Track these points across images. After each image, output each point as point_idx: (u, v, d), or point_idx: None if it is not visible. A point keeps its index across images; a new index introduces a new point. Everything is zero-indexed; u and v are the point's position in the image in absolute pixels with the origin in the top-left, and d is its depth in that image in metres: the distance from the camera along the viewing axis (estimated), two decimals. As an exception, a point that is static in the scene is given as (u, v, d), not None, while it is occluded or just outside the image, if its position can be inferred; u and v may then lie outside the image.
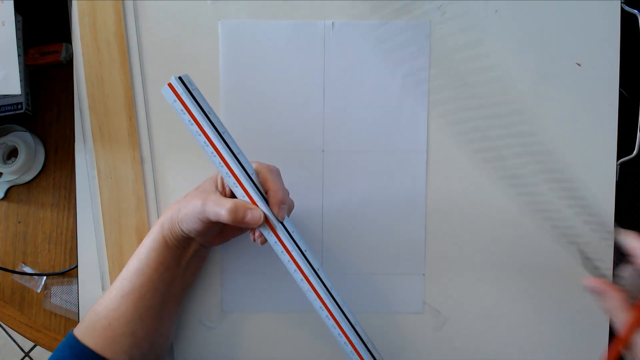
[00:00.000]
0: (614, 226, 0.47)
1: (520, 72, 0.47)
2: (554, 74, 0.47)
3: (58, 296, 0.52)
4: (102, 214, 0.48)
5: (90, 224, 0.48)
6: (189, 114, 0.38)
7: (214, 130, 0.38)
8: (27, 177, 0.53)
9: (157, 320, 0.43)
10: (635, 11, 0.47)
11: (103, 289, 0.48)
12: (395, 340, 0.48)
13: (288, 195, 0.41)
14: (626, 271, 0.38)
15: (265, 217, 0.38)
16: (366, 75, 0.48)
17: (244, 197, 0.39)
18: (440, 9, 0.48)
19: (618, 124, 0.47)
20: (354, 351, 0.41)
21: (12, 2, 0.46)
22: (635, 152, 0.47)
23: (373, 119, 0.48)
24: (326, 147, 0.48)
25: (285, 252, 0.39)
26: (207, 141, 0.38)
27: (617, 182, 0.47)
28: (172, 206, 0.43)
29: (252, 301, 0.48)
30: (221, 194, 0.41)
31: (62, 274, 0.52)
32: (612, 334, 0.47)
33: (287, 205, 0.39)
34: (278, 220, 0.39)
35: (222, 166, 0.38)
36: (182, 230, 0.41)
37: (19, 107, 0.51)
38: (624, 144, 0.47)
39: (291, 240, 0.39)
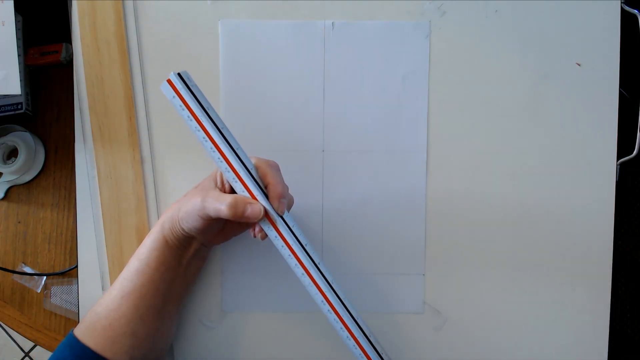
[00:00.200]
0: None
1: (520, 72, 0.47)
2: (554, 74, 0.47)
3: (58, 296, 0.52)
4: (102, 214, 0.48)
5: (90, 224, 0.48)
6: (188, 109, 0.38)
7: (213, 125, 0.38)
8: (27, 177, 0.53)
9: (158, 320, 0.43)
10: (635, 11, 0.47)
11: (103, 289, 0.48)
12: (395, 340, 0.48)
13: (288, 190, 0.41)
14: None
15: (265, 211, 0.38)
16: (366, 75, 0.48)
17: (243, 191, 0.39)
18: (440, 9, 0.48)
19: (618, 124, 0.47)
20: (356, 345, 0.41)
21: (12, 2, 0.46)
22: (635, 152, 0.47)
23: (373, 119, 0.48)
24: (326, 147, 0.48)
25: (285, 246, 0.39)
26: (206, 136, 0.38)
27: (617, 182, 0.47)
28: (172, 206, 0.43)
29: (252, 301, 0.48)
30: (220, 190, 0.41)
31: (62, 274, 0.52)
32: (612, 333, 0.47)
33: (286, 200, 0.39)
34: (278, 214, 0.39)
35: (221, 161, 0.38)
36: (183, 229, 0.41)
37: (19, 107, 0.51)
38: (624, 144, 0.47)
39: (291, 235, 0.39)
